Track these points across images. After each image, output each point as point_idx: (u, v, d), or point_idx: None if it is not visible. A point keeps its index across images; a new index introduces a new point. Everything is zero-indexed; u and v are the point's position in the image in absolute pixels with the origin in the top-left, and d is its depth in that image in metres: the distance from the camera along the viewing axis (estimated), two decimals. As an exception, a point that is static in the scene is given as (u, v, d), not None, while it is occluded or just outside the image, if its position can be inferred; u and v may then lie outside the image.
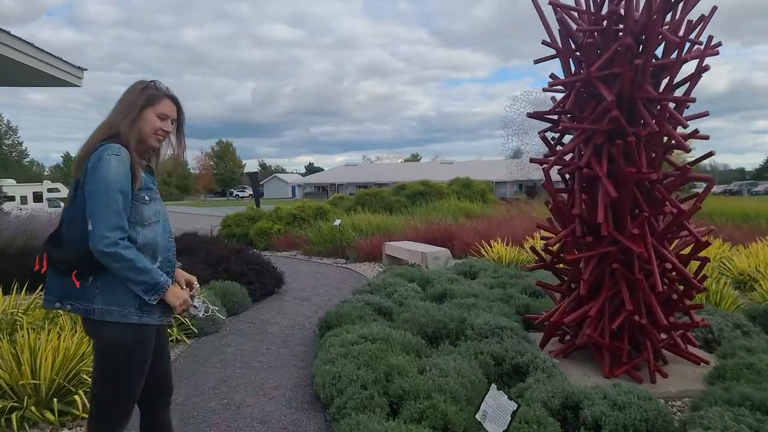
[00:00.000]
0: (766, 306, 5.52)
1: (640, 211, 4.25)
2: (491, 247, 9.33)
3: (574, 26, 4.41)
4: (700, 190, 4.44)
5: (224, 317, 6.21)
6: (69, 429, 3.48)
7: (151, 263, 2.11)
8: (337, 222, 12.06)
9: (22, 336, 3.89)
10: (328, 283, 8.75)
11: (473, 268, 7.97)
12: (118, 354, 2.11)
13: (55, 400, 3.54)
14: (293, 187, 72.87)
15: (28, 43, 7.07)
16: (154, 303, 2.12)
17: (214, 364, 4.73)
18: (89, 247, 2.00)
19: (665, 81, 4.33)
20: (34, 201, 37.10)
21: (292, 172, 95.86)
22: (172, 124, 2.29)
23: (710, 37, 4.21)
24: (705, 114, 4.51)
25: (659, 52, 4.25)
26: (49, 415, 3.48)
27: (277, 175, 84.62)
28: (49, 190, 39.02)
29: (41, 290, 2.47)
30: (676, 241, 4.54)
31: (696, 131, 4.21)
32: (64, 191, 38.99)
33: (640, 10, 4.15)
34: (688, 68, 4.29)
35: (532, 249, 4.85)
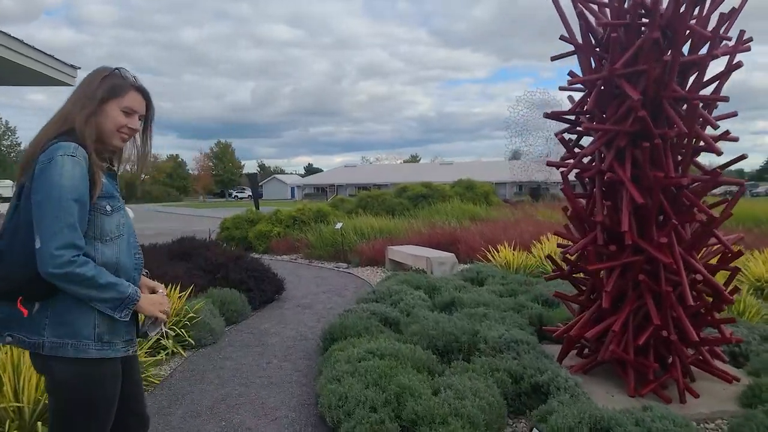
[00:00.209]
0: (792, 316, 5.25)
1: (666, 218, 3.99)
2: (498, 252, 9.05)
3: (595, 20, 4.15)
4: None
5: (223, 326, 5.93)
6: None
7: (114, 277, 1.80)
8: (339, 225, 11.79)
9: (5, 353, 3.61)
10: (330, 289, 8.48)
11: (481, 275, 7.70)
12: (77, 395, 1.77)
13: (39, 423, 3.27)
14: (292, 189, 72.57)
15: (18, 39, 6.79)
16: (127, 319, 1.83)
17: (212, 380, 4.45)
18: (37, 267, 1.67)
19: (691, 79, 4.08)
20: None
21: (291, 173, 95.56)
22: (139, 120, 1.95)
23: (741, 32, 3.94)
24: (734, 114, 4.25)
25: (685, 48, 4.00)
26: (31, 441, 3.20)
27: (276, 176, 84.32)
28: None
29: None
30: (703, 250, 4.27)
31: (727, 132, 3.94)
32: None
33: (667, 3, 3.89)
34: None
35: (549, 258, 4.58)
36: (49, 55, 7.34)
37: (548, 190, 29.47)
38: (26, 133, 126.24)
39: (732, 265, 4.01)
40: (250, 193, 28.92)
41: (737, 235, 4.35)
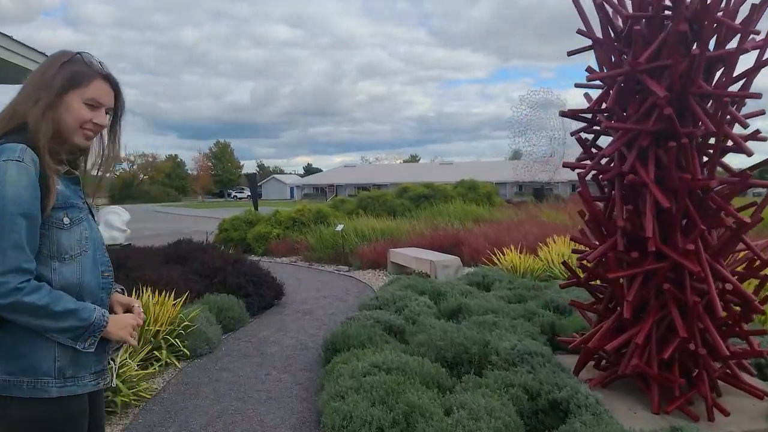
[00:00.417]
0: (817, 325, 5.00)
1: (690, 223, 3.74)
2: (503, 254, 8.80)
3: (616, 13, 3.90)
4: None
5: (220, 334, 5.67)
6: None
7: (74, 301, 1.52)
8: (340, 227, 11.53)
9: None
10: (331, 293, 8.22)
11: (487, 279, 7.45)
12: None
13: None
14: (292, 189, 72.29)
15: (8, 37, 6.54)
16: (92, 350, 1.56)
17: (207, 394, 4.20)
18: None
19: (716, 75, 3.83)
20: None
21: (291, 173, 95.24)
22: (107, 114, 1.65)
23: (772, 25, 3.69)
24: (761, 112, 4.00)
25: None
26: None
27: (276, 176, 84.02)
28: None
29: None
30: (730, 257, 4.02)
31: (757, 132, 3.69)
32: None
33: (693, -6, 3.64)
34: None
35: (565, 264, 4.33)
36: (41, 53, 7.08)
37: (552, 190, 29.22)
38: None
39: (763, 273, 3.76)
40: (249, 194, 28.68)
41: (767, 240, 4.10)
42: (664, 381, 3.66)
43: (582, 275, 4.18)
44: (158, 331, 4.92)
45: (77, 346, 1.53)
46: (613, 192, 4.12)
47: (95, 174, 1.81)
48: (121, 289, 1.83)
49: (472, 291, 6.75)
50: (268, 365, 4.88)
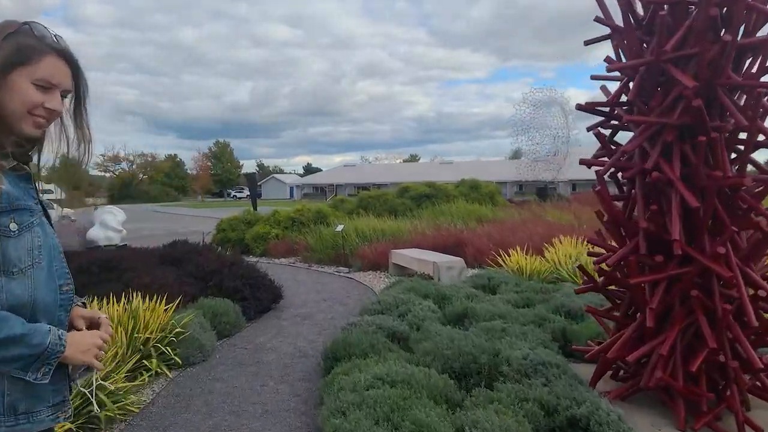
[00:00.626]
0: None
1: (717, 224, 3.47)
2: (509, 255, 8.53)
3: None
4: None
5: (215, 341, 5.41)
6: None
7: (22, 325, 1.25)
8: (340, 228, 11.25)
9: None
10: (331, 296, 7.95)
11: (492, 281, 7.18)
12: None
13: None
14: (291, 188, 71.98)
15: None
16: (45, 381, 1.30)
17: (199, 407, 3.93)
18: None
19: (744, 65, 3.57)
20: (27, 202, 36.20)
21: (291, 173, 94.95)
22: (64, 98, 1.39)
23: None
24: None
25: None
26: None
27: (275, 175, 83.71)
28: (43, 192, 38.09)
29: None
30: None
31: (791, 126, 3.42)
32: (57, 192, 37.99)
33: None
34: None
35: (581, 268, 4.06)
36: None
37: (555, 189, 28.89)
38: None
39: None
40: (249, 193, 28.38)
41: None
42: (691, 395, 3.39)
43: (599, 280, 3.91)
44: (148, 338, 4.66)
45: (28, 378, 1.27)
46: (632, 191, 3.87)
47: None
48: (82, 302, 1.56)
49: (478, 294, 6.49)
50: (264, 375, 4.61)
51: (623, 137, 4.22)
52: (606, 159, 3.83)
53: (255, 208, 17.91)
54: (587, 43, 3.90)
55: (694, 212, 3.36)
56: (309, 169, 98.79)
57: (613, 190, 3.96)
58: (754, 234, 3.51)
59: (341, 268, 10.64)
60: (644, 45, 3.71)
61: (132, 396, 3.94)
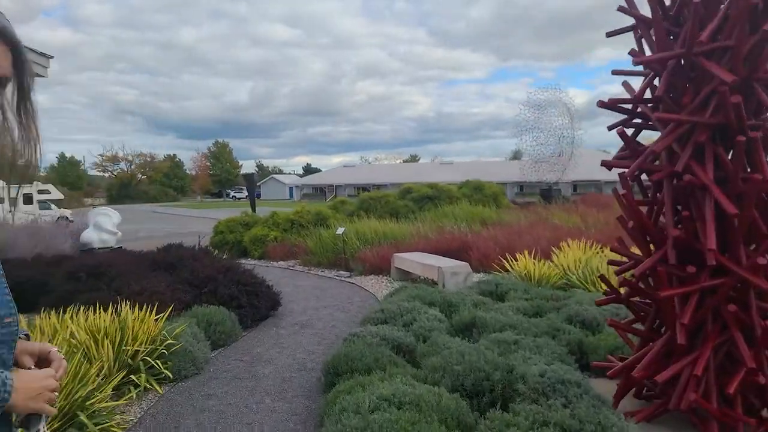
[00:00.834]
0: None
1: (754, 232, 3.19)
2: (516, 260, 8.24)
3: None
4: None
5: (209, 352, 5.12)
6: None
7: None
8: (341, 230, 10.96)
9: None
10: (331, 303, 7.65)
11: (500, 288, 6.89)
12: None
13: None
14: (291, 189, 71.63)
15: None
16: None
17: (189, 428, 3.64)
18: None
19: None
20: (24, 203, 35.90)
21: (290, 173, 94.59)
22: (3, 86, 1.12)
23: None
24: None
25: None
26: None
27: (275, 176, 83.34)
28: (40, 192, 37.84)
29: None
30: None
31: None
32: (54, 192, 37.82)
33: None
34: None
35: (602, 278, 3.77)
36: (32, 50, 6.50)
37: (560, 191, 28.54)
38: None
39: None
40: (247, 194, 28.08)
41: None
42: (726, 419, 3.11)
43: (623, 291, 3.62)
44: (137, 351, 4.36)
45: None
46: (657, 195, 3.58)
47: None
48: (26, 335, 1.27)
49: (486, 301, 6.20)
50: (260, 390, 4.32)
51: (645, 137, 3.95)
52: (628, 160, 3.55)
53: (253, 210, 17.63)
54: (609, 34, 3.62)
55: (728, 219, 3.08)
56: (308, 170, 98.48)
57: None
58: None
59: (342, 272, 10.34)
60: (671, 37, 3.43)
61: (117, 416, 3.65)
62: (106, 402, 3.66)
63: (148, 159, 79.42)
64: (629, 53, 3.52)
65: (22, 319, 4.83)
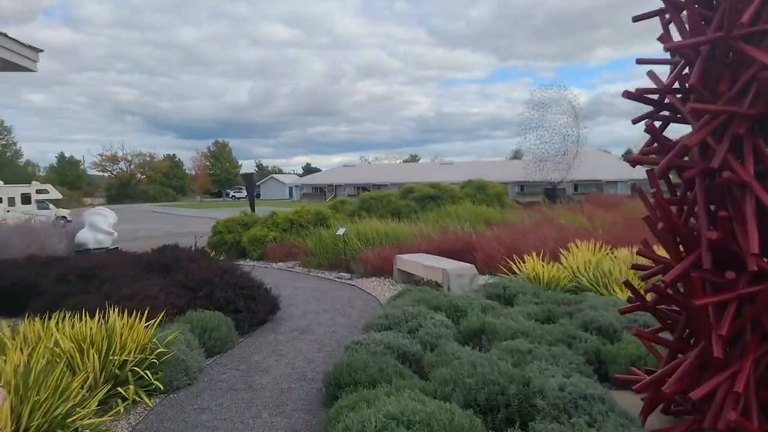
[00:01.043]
0: None
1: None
2: (523, 262, 7.96)
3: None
4: None
5: (203, 360, 4.84)
6: None
7: None
8: (341, 231, 10.67)
9: None
10: (332, 306, 7.37)
11: (508, 291, 6.61)
12: None
13: None
14: (290, 188, 71.31)
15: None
16: None
17: (179, 447, 3.36)
18: None
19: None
20: (23, 203, 35.63)
21: (290, 173, 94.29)
22: None
23: None
24: None
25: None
26: None
27: (274, 175, 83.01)
28: (38, 191, 37.59)
29: None
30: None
31: None
32: (53, 192, 37.55)
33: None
34: None
35: (627, 284, 3.49)
36: (2, 34, 6.23)
37: (564, 190, 28.21)
38: (23, 133, 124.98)
39: None
40: (247, 194, 27.81)
41: None
42: (768, 439, 2.82)
43: (649, 298, 3.34)
44: (125, 361, 4.08)
45: None
46: (688, 194, 3.30)
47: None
48: None
49: (494, 306, 5.91)
50: (257, 403, 4.04)
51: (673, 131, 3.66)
52: (656, 156, 3.27)
53: (253, 209, 17.35)
54: (636, 19, 3.33)
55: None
56: (308, 169, 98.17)
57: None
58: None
59: (342, 273, 10.06)
60: (703, 21, 3.15)
61: (101, 433, 3.37)
62: (90, 418, 3.38)
63: (148, 159, 79.15)
64: (658, 39, 3.24)
65: (5, 326, 4.55)
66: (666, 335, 3.54)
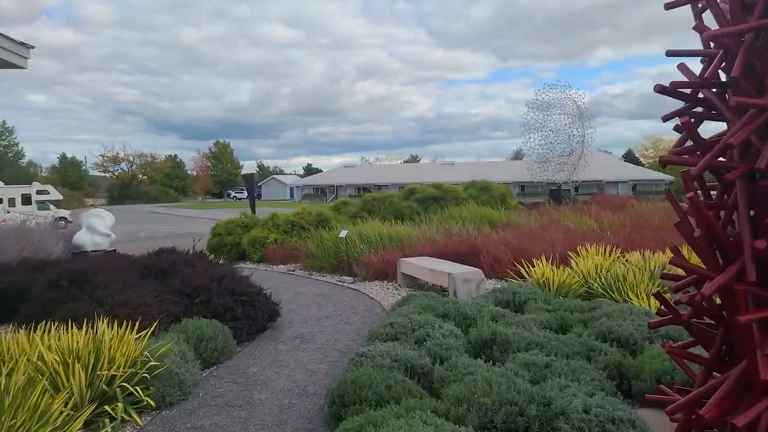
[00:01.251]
0: None
1: None
2: (531, 266, 7.67)
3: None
4: None
5: (198, 373, 4.56)
6: None
7: None
8: (344, 233, 10.40)
9: None
10: (335, 312, 7.09)
11: (518, 297, 6.32)
12: None
13: None
14: (291, 189, 71.07)
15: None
16: None
17: (170, 473, 3.08)
18: None
19: None
20: (23, 204, 35.42)
21: (291, 174, 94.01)
22: None
23: None
24: None
25: None
26: None
27: (276, 176, 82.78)
28: (38, 192, 37.36)
29: None
30: None
31: None
32: (54, 193, 37.32)
33: None
34: None
35: (658, 296, 3.20)
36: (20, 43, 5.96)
37: (569, 191, 27.90)
38: (25, 134, 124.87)
39: None
40: (247, 194, 27.56)
41: None
42: (821, 471, 2.54)
43: (685, 311, 3.05)
44: (114, 376, 3.81)
45: None
46: (725, 197, 3.02)
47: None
48: None
49: (505, 314, 5.63)
50: (255, 421, 3.76)
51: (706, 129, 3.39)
52: (691, 156, 2.99)
53: (253, 210, 17.08)
54: (668, 6, 3.05)
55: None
56: (309, 170, 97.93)
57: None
58: None
59: (345, 277, 9.78)
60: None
61: (85, 458, 3.10)
62: (72, 441, 3.11)
63: (149, 159, 78.90)
64: (694, 28, 2.96)
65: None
66: (698, 350, 3.27)
